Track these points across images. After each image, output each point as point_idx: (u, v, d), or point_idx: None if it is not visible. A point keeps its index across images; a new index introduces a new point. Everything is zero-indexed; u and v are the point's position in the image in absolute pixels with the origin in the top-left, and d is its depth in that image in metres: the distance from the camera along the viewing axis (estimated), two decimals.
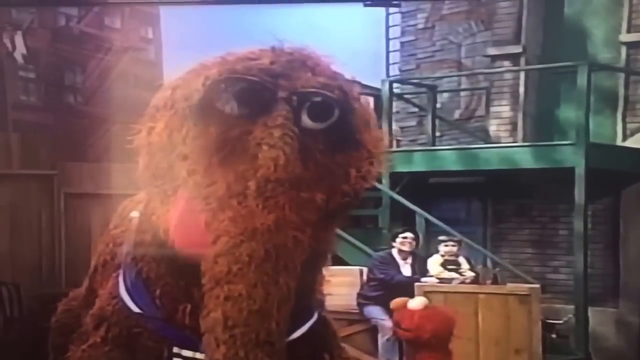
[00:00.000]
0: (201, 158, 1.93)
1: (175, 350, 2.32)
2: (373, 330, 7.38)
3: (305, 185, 1.88)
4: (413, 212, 8.67)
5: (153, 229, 2.19)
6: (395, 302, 6.35)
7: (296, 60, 2.03)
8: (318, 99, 1.94)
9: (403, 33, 11.23)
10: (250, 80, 1.93)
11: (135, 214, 2.54)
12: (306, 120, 1.93)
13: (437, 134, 10.23)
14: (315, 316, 2.43)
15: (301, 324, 2.29)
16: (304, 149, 1.89)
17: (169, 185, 2.04)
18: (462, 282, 7.23)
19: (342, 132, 1.97)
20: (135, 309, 2.40)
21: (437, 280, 7.23)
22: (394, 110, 10.24)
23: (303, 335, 2.29)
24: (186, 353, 2.29)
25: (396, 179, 8.79)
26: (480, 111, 10.27)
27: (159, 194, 2.10)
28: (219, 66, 2.00)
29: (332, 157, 1.96)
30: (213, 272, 1.84)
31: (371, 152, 2.05)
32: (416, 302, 6.12)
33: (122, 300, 2.45)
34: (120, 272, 2.53)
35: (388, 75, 11.20)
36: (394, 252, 7.49)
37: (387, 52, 11.59)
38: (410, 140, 10.64)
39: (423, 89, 10.44)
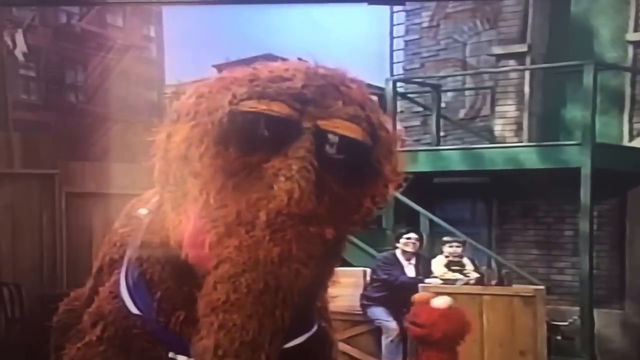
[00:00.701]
0: (215, 179, 1.89)
1: (171, 355, 2.27)
2: (377, 332, 7.35)
3: (316, 220, 1.84)
4: (417, 213, 8.63)
5: (161, 232, 2.16)
6: (419, 296, 6.32)
7: (329, 85, 1.96)
8: (338, 139, 1.90)
9: (407, 32, 11.21)
10: (277, 117, 1.88)
11: (143, 212, 2.51)
12: (329, 151, 1.89)
13: (442, 133, 10.21)
14: (315, 327, 2.38)
15: (299, 334, 2.24)
16: (321, 182, 1.84)
17: (180, 194, 2.02)
18: (467, 283, 7.21)
19: (364, 164, 1.94)
20: (134, 310, 2.35)
21: (441, 281, 7.22)
22: (398, 109, 10.20)
23: (300, 345, 2.24)
24: (182, 358, 2.24)
25: None
26: (485, 111, 10.25)
27: (170, 199, 2.07)
28: (250, 85, 1.93)
29: (349, 188, 1.93)
30: (210, 298, 1.82)
31: (388, 180, 2.01)
32: (441, 301, 6.08)
33: (121, 299, 2.40)
34: (122, 270, 2.47)
35: (392, 74, 11.17)
36: (398, 253, 7.47)
37: (391, 50, 11.57)
38: (415, 140, 10.58)
39: (427, 88, 10.43)
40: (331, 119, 1.89)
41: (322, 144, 1.87)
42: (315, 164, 1.82)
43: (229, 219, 1.83)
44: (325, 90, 1.93)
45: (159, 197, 2.23)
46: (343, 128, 1.89)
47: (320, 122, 1.88)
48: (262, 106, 1.87)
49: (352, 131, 1.89)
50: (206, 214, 1.88)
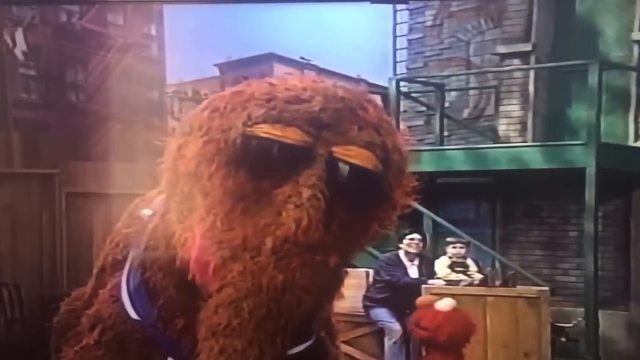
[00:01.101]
0: (224, 201, 1.87)
1: None
2: (379, 333, 7.31)
3: (322, 249, 1.84)
4: (420, 213, 8.56)
5: (165, 242, 2.15)
6: (422, 299, 6.29)
7: (346, 108, 1.93)
8: (349, 168, 1.89)
9: (411, 30, 11.15)
10: (290, 145, 1.86)
11: (147, 212, 2.50)
12: (340, 177, 1.88)
13: (445, 133, 10.16)
14: (313, 338, 2.37)
15: (296, 343, 2.21)
16: (330, 210, 1.81)
17: (186, 208, 1.99)
18: (470, 284, 7.16)
19: (374, 190, 1.93)
20: (134, 315, 2.36)
21: (445, 282, 7.17)
22: (402, 109, 10.18)
23: (295, 355, 2.20)
24: None
25: None
26: (489, 110, 10.19)
27: (176, 210, 2.05)
28: (266, 105, 1.90)
29: (358, 214, 1.92)
30: (211, 322, 1.82)
31: (397, 203, 2.01)
32: (444, 303, 6.05)
33: (121, 303, 2.41)
34: (124, 274, 2.47)
35: (395, 74, 11.13)
36: (401, 253, 7.44)
37: (395, 50, 11.52)
38: (418, 140, 10.51)
39: (431, 88, 10.38)
40: (346, 146, 1.87)
41: (334, 171, 1.85)
42: (325, 192, 1.81)
43: (234, 242, 1.82)
44: (342, 114, 1.90)
45: (164, 203, 2.20)
46: (357, 156, 1.86)
47: (334, 149, 1.86)
48: (276, 132, 1.84)
49: (366, 159, 1.87)
50: (212, 235, 1.86)
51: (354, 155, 1.86)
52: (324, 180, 1.81)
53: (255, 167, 1.84)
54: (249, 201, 1.84)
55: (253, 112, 1.87)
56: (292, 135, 1.84)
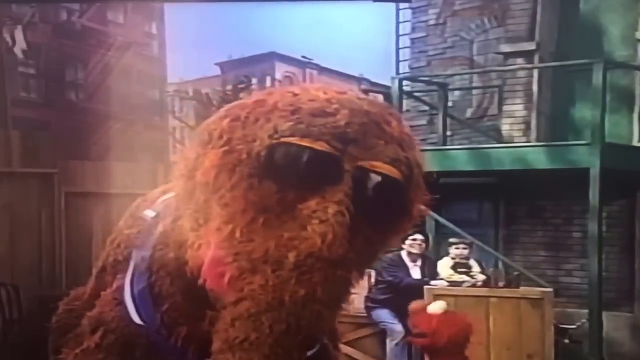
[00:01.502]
0: (245, 213, 1.83)
1: None
2: (381, 334, 7.29)
3: (344, 264, 1.82)
4: None
5: (176, 247, 2.13)
6: (414, 306, 6.25)
7: (372, 122, 1.88)
8: (381, 178, 1.88)
9: (413, 29, 11.12)
10: (320, 152, 1.84)
11: (150, 213, 2.49)
12: (365, 192, 1.86)
13: (448, 133, 10.10)
14: (317, 346, 2.34)
15: None
16: (354, 226, 1.80)
17: (201, 216, 1.95)
18: (473, 285, 7.13)
19: (396, 206, 1.93)
20: (137, 320, 2.33)
21: (447, 283, 7.15)
22: (404, 108, 10.14)
23: None
24: None
25: None
26: (493, 110, 10.14)
27: (189, 218, 2.01)
28: (292, 118, 1.86)
29: (379, 229, 1.93)
30: (227, 335, 1.77)
31: (415, 218, 2.02)
32: (435, 307, 6.01)
33: (125, 307, 2.38)
34: (128, 277, 2.44)
35: (398, 73, 11.14)
36: (403, 254, 7.42)
37: (397, 48, 11.55)
38: (421, 140, 10.47)
39: (434, 87, 10.33)
40: (371, 161, 1.85)
41: (360, 186, 1.83)
42: (351, 209, 1.79)
43: (254, 255, 1.77)
44: (367, 128, 1.88)
45: (175, 208, 2.17)
46: (383, 171, 1.85)
47: (361, 164, 1.83)
48: (305, 145, 1.82)
49: (392, 175, 1.86)
50: (229, 246, 1.81)
51: (381, 170, 1.84)
52: (350, 196, 1.79)
53: (280, 178, 1.81)
54: (271, 213, 1.80)
55: (279, 125, 1.83)
56: (320, 150, 1.81)
